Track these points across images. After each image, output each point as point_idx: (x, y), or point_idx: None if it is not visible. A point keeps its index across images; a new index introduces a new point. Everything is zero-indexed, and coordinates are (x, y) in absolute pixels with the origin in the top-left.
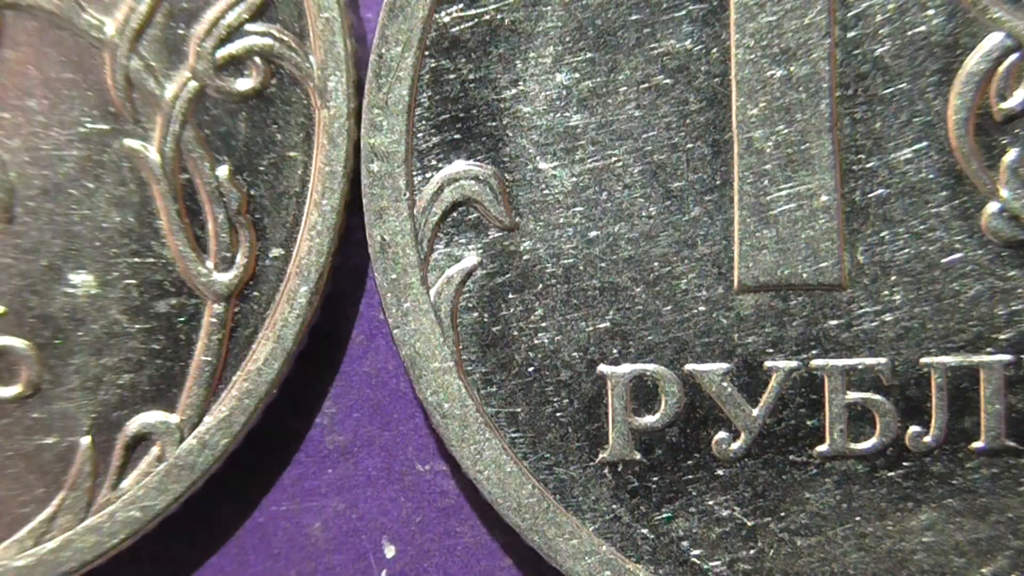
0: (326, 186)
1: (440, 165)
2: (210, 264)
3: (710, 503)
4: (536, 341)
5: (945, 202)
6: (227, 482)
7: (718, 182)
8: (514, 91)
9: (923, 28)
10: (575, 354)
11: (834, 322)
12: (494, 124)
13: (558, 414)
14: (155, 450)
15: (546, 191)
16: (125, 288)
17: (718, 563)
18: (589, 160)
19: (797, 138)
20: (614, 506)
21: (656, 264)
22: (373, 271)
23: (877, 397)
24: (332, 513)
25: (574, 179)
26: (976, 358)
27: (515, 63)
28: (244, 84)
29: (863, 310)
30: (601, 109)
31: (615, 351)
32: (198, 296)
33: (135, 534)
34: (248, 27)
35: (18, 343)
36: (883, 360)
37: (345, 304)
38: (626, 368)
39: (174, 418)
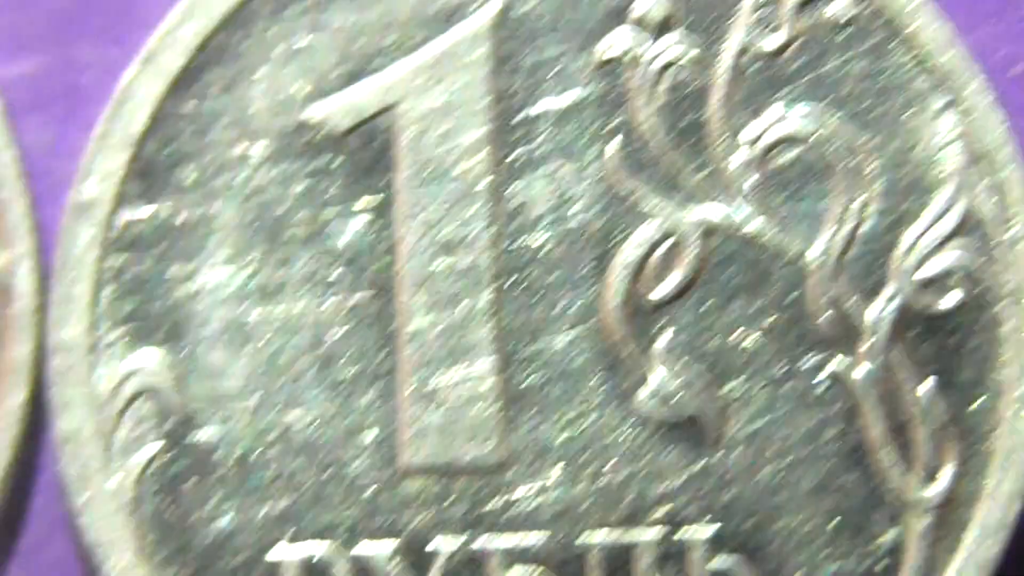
0: (11, 382)
1: (122, 357)
2: None
3: None
4: (213, 526)
5: (601, 385)
6: None
7: (385, 370)
8: (191, 286)
9: (579, 219)
10: (250, 539)
11: (496, 502)
12: (173, 317)
13: None
14: None
15: (223, 381)
16: None
17: None
18: (263, 351)
19: (460, 326)
20: None
21: (327, 450)
22: (58, 462)
23: (538, 574)
24: None
25: (249, 369)
26: (630, 535)
27: (192, 259)
28: None
29: (523, 490)
30: (274, 302)
31: (288, 535)
32: None
33: None
34: None
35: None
36: (542, 538)
37: (28, 494)
38: (297, 552)
39: None
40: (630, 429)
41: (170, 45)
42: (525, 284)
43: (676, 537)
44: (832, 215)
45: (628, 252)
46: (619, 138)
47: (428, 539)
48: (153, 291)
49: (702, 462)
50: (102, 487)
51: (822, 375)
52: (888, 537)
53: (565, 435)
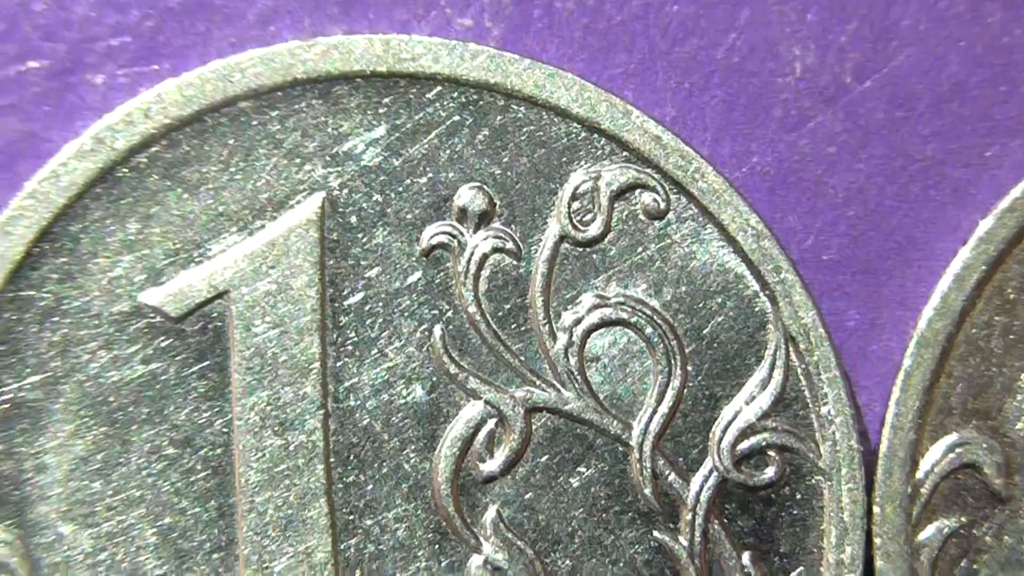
0: None
1: None
2: None
3: None
4: None
5: (433, 557)
6: None
7: (224, 543)
8: (36, 462)
9: (409, 398)
10: None
11: None
12: (18, 493)
13: None
14: None
15: (68, 553)
16: None
17: None
18: (106, 524)
19: (295, 501)
20: None
21: None
22: None
23: None
24: None
25: (92, 542)
26: None
27: (36, 437)
28: None
29: None
30: (116, 477)
31: None
32: None
33: None
34: None
35: None
36: None
37: None
38: None
39: None
40: None
41: (8, 234)
42: (357, 461)
43: None
44: (651, 394)
45: (456, 430)
46: (445, 322)
47: None
48: None
49: None
50: None
51: (646, 546)
52: None
53: None
